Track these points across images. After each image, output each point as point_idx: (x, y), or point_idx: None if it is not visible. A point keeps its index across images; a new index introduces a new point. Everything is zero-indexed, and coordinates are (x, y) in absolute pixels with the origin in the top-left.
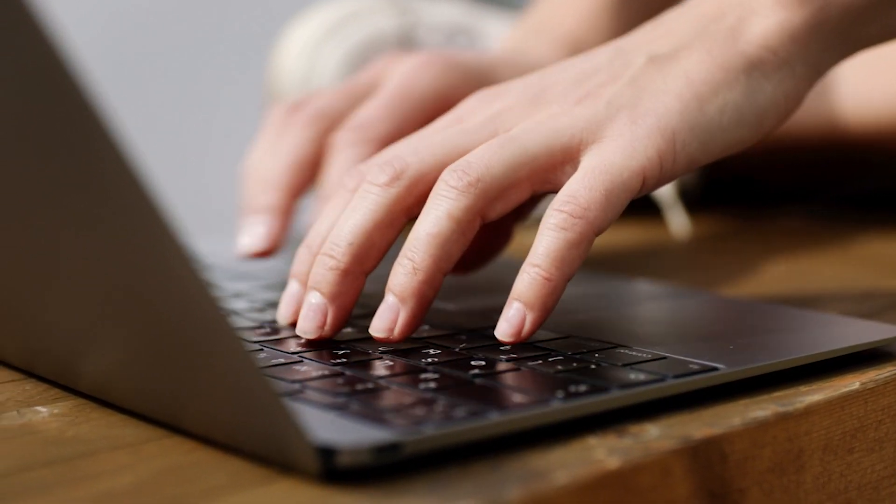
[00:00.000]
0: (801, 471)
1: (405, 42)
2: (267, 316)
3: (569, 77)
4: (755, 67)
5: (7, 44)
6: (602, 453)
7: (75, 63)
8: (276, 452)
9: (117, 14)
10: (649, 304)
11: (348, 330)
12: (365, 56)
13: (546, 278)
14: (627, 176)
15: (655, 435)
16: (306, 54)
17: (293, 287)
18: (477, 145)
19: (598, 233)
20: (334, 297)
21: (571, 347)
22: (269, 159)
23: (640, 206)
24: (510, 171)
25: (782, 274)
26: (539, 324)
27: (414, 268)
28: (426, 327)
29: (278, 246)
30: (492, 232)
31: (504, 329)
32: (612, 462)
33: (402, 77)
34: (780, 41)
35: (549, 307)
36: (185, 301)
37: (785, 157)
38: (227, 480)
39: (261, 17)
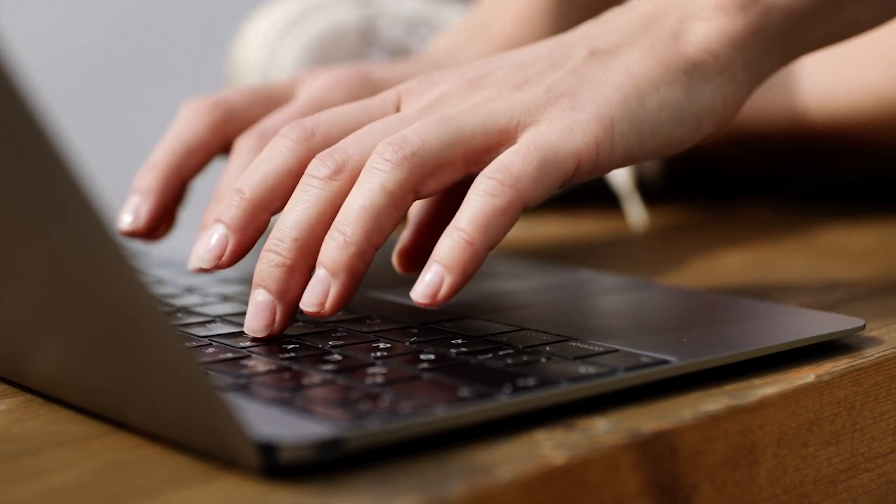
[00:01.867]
0: (755, 465)
1: (366, 34)
2: (219, 310)
3: (508, 65)
4: (696, 69)
5: None
6: (549, 448)
7: (13, 60)
8: (219, 448)
9: (76, 11)
10: (604, 296)
11: (298, 324)
12: (325, 48)
13: (469, 242)
14: (562, 156)
15: (604, 429)
16: (266, 46)
17: (217, 230)
18: None
19: (526, 206)
20: (281, 294)
21: (523, 341)
22: (161, 142)
23: (598, 197)
24: (445, 148)
25: (743, 265)
26: (456, 289)
27: (346, 241)
28: (378, 320)
29: (159, 227)
30: (438, 223)
31: (420, 291)
32: (559, 457)
33: (315, 90)
34: (720, 46)
35: (469, 273)
36: (124, 297)
37: (750, 148)
38: (170, 477)
39: (221, 9)
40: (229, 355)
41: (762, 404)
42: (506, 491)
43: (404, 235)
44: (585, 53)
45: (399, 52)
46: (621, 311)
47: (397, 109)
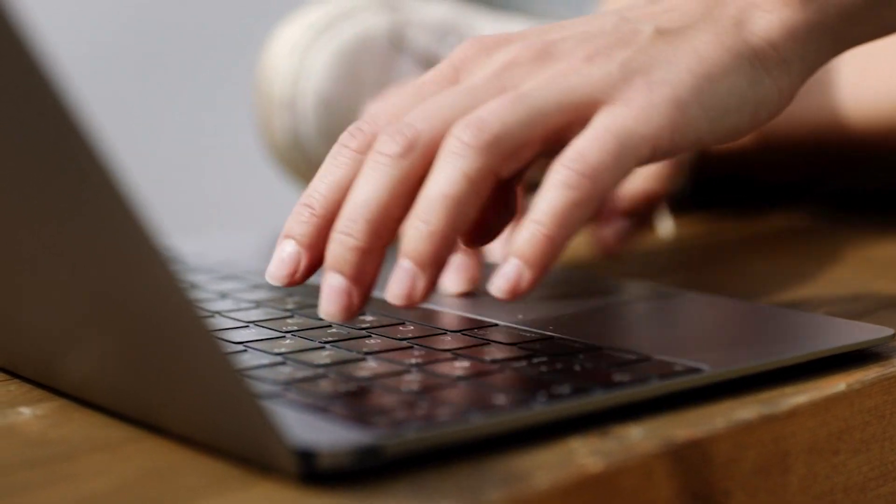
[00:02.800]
0: (787, 473)
1: (395, 41)
2: (252, 316)
3: (574, 35)
4: (758, 59)
5: None
6: (584, 455)
7: (54, 65)
8: (256, 454)
9: (107, 14)
10: (634, 304)
11: (333, 330)
12: (355, 55)
13: (547, 235)
14: (638, 142)
15: (639, 437)
16: (296, 53)
17: (287, 247)
18: (485, 103)
19: (603, 196)
20: (356, 277)
21: (555, 348)
22: None
23: None
24: (525, 129)
25: (770, 273)
26: (535, 283)
27: (430, 231)
28: (411, 328)
29: None
30: (499, 202)
31: (499, 285)
32: (595, 464)
33: None
34: (781, 38)
35: (547, 266)
36: (162, 302)
37: (779, 155)
38: (207, 482)
39: (251, 15)
40: (264, 361)
41: (794, 413)
42: (542, 498)
43: None
44: (652, 31)
45: (428, 59)
46: (651, 319)
47: (454, 84)
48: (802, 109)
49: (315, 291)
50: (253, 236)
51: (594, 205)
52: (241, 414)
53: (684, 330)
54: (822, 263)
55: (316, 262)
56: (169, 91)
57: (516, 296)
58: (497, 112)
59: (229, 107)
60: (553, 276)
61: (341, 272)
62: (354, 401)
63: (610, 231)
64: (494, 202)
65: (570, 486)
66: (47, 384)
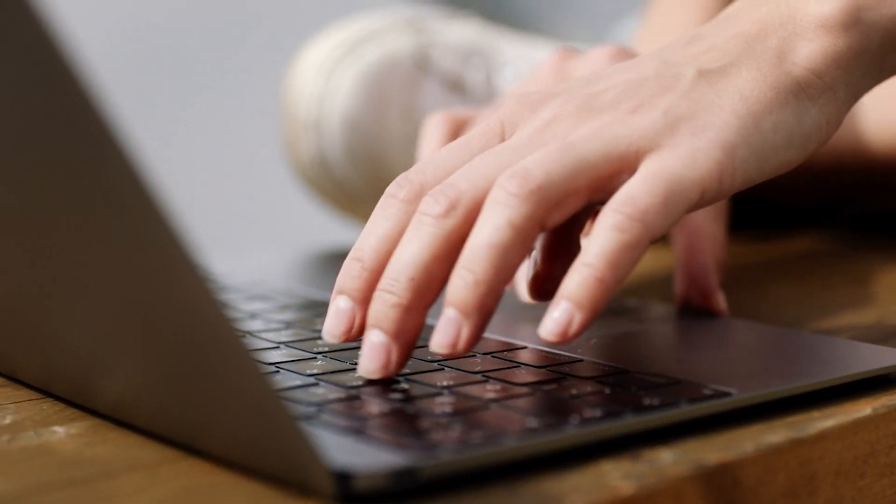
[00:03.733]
0: (814, 495)
1: (420, 62)
2: (282, 337)
3: (616, 85)
4: (802, 90)
5: (24, 71)
6: (617, 478)
7: (96, 90)
8: (293, 475)
9: (135, 33)
10: (662, 326)
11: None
12: (380, 76)
13: (598, 279)
14: (687, 185)
15: (669, 460)
16: (322, 74)
17: (342, 303)
18: None
19: (653, 240)
20: (397, 335)
21: (585, 371)
22: None
23: None
24: (570, 179)
25: (792, 296)
26: (586, 326)
27: (475, 280)
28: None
29: None
30: (565, 253)
31: (549, 328)
32: (627, 487)
33: None
34: (825, 66)
35: (599, 310)
36: (201, 323)
37: (802, 178)
38: (245, 503)
39: (277, 36)
40: (298, 382)
41: (821, 436)
42: None
43: (535, 262)
44: (694, 74)
45: (453, 81)
46: (678, 342)
47: (502, 138)
48: None
49: None
50: (280, 256)
51: (644, 248)
52: (279, 435)
53: (711, 353)
54: (845, 287)
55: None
56: (196, 112)
57: (566, 340)
58: (542, 162)
59: (256, 128)
60: None
61: (382, 329)
62: (389, 423)
63: None
64: (561, 253)
65: None
66: (82, 404)
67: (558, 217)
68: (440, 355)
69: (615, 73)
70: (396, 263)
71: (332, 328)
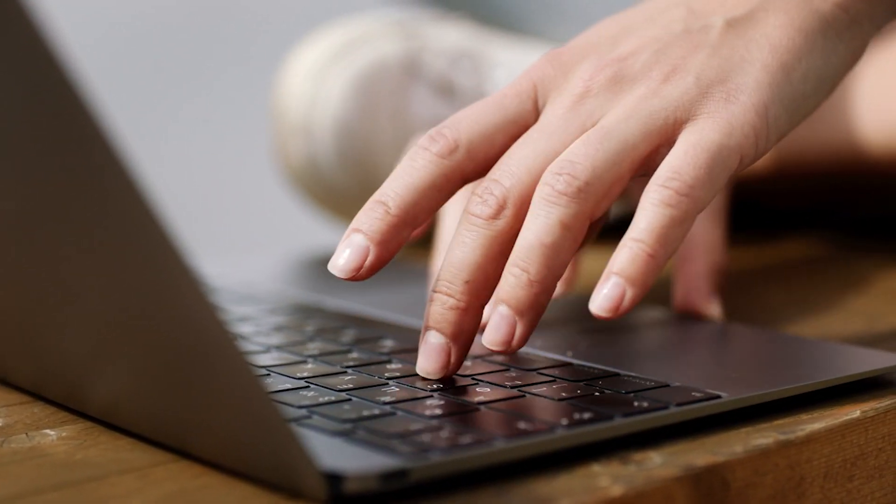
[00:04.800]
0: (802, 498)
1: (410, 67)
2: (273, 340)
3: (645, 45)
4: (829, 27)
5: (17, 74)
6: (606, 481)
7: (87, 91)
8: (284, 478)
9: (126, 34)
10: (651, 329)
11: (354, 355)
12: (370, 80)
13: (650, 255)
14: (727, 154)
15: (658, 462)
16: (312, 77)
17: (359, 240)
18: (568, 145)
19: (699, 212)
20: (456, 336)
21: (575, 374)
22: None
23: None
24: (614, 167)
25: (784, 300)
26: (637, 301)
27: (530, 280)
28: None
29: None
30: None
31: (601, 304)
32: (616, 489)
33: None
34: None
35: (649, 285)
36: (193, 325)
37: (795, 181)
38: None
39: (267, 39)
40: (288, 385)
41: (810, 439)
42: None
43: None
44: (722, 25)
45: (443, 85)
46: (669, 346)
47: (535, 103)
48: (819, 136)
49: (335, 317)
50: (270, 259)
51: (692, 221)
52: (270, 438)
53: (701, 357)
54: (836, 291)
55: (383, 259)
56: (185, 114)
57: (617, 315)
58: (587, 155)
59: (247, 131)
60: (569, 301)
61: (441, 331)
62: (379, 425)
63: None
64: None
65: None
66: (73, 407)
67: (605, 206)
68: (493, 351)
69: (642, 25)
70: (450, 266)
71: (343, 263)
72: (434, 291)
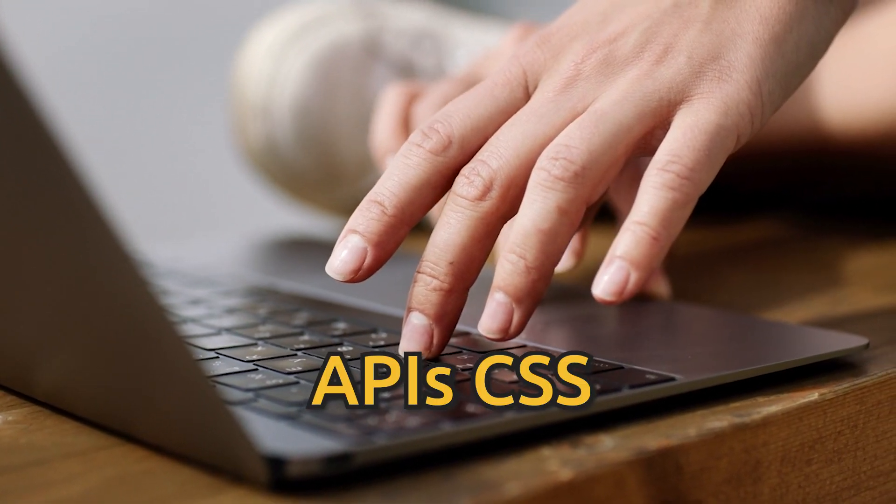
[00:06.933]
0: (758, 482)
1: (370, 47)
2: (225, 322)
3: (634, 24)
4: None
5: None
6: (555, 464)
7: (23, 69)
8: (227, 462)
9: (81, 17)
10: (607, 311)
11: (305, 337)
12: (330, 60)
13: (654, 238)
14: (724, 134)
15: (610, 446)
16: (271, 57)
17: (356, 242)
18: (559, 128)
19: (701, 194)
20: (439, 318)
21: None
22: None
23: (599, 214)
24: (610, 150)
25: (746, 281)
26: (640, 285)
27: (527, 266)
28: (384, 335)
29: None
30: None
31: (606, 287)
32: (566, 473)
33: None
34: None
35: (653, 268)
36: (133, 309)
37: (757, 163)
38: (177, 490)
39: (226, 20)
40: (236, 368)
41: (766, 422)
42: None
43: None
44: None
45: (403, 65)
46: (624, 328)
47: (526, 90)
48: (783, 116)
49: (289, 299)
50: (228, 241)
51: (693, 205)
52: (211, 421)
53: (658, 339)
54: (799, 272)
55: (381, 260)
56: (143, 95)
57: (622, 299)
58: (582, 139)
59: (204, 111)
60: None
61: (424, 312)
62: (325, 408)
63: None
64: None
65: (540, 494)
66: (20, 391)
67: (602, 189)
68: (490, 339)
69: (628, 3)
70: (434, 247)
71: (341, 266)
72: (418, 272)
